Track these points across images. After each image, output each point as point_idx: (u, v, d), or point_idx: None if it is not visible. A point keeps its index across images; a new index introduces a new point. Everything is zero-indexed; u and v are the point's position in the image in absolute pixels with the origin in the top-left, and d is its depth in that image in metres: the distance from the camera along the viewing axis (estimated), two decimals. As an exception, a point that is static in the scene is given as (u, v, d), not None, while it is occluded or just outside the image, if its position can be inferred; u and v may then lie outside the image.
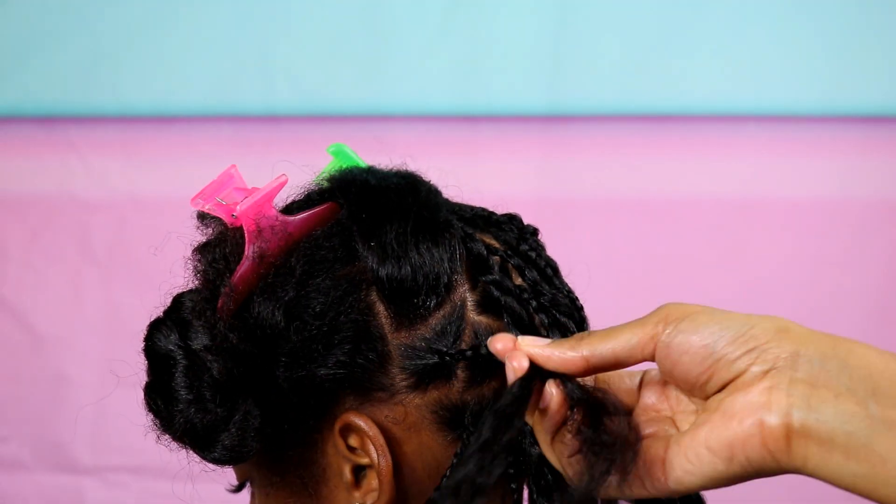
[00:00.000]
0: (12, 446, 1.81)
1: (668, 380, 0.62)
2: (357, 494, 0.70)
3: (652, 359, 0.60)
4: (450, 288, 0.69)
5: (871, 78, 1.71)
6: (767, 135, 1.74)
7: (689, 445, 0.58)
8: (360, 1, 1.73)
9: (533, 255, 0.75)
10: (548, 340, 0.64)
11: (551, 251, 0.78)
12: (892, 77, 1.71)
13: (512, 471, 0.72)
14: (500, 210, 0.79)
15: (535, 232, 0.78)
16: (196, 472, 0.74)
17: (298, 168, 0.75)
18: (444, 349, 0.68)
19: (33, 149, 1.79)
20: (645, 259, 1.76)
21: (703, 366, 0.59)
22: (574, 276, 0.79)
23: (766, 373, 0.57)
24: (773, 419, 0.56)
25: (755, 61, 1.72)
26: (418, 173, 0.76)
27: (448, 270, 0.69)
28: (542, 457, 0.68)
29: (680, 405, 0.63)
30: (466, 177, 1.56)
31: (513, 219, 0.78)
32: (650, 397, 0.65)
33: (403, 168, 0.76)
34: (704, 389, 0.60)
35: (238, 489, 0.79)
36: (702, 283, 1.76)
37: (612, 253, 1.75)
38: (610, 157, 1.75)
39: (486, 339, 0.68)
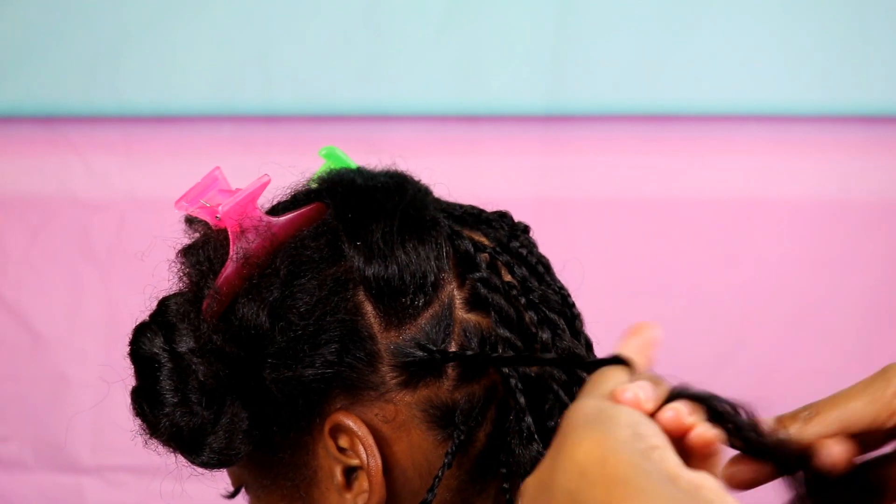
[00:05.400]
0: (12, 446, 1.80)
1: None
2: (349, 496, 0.69)
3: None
4: (437, 286, 0.69)
5: (871, 78, 1.71)
6: (767, 135, 1.73)
7: None
8: (360, 1, 1.73)
9: (524, 252, 0.74)
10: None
11: (551, 250, 0.78)
12: (892, 77, 1.71)
13: (504, 470, 0.71)
14: (494, 208, 0.79)
15: (526, 229, 0.78)
16: (197, 471, 0.74)
17: (285, 169, 0.75)
18: (434, 348, 0.68)
19: (33, 149, 1.79)
20: (645, 259, 1.76)
21: None
22: (574, 275, 0.79)
23: None
24: None
25: (755, 61, 1.72)
26: (408, 173, 0.75)
27: (435, 269, 0.69)
28: (535, 458, 0.68)
29: None
30: (466, 177, 1.56)
31: (503, 216, 0.78)
32: None
33: (393, 168, 0.76)
34: None
35: (233, 495, 0.79)
36: (702, 283, 1.76)
37: (612, 252, 1.75)
38: (610, 157, 1.75)
39: (475, 337, 0.69)
